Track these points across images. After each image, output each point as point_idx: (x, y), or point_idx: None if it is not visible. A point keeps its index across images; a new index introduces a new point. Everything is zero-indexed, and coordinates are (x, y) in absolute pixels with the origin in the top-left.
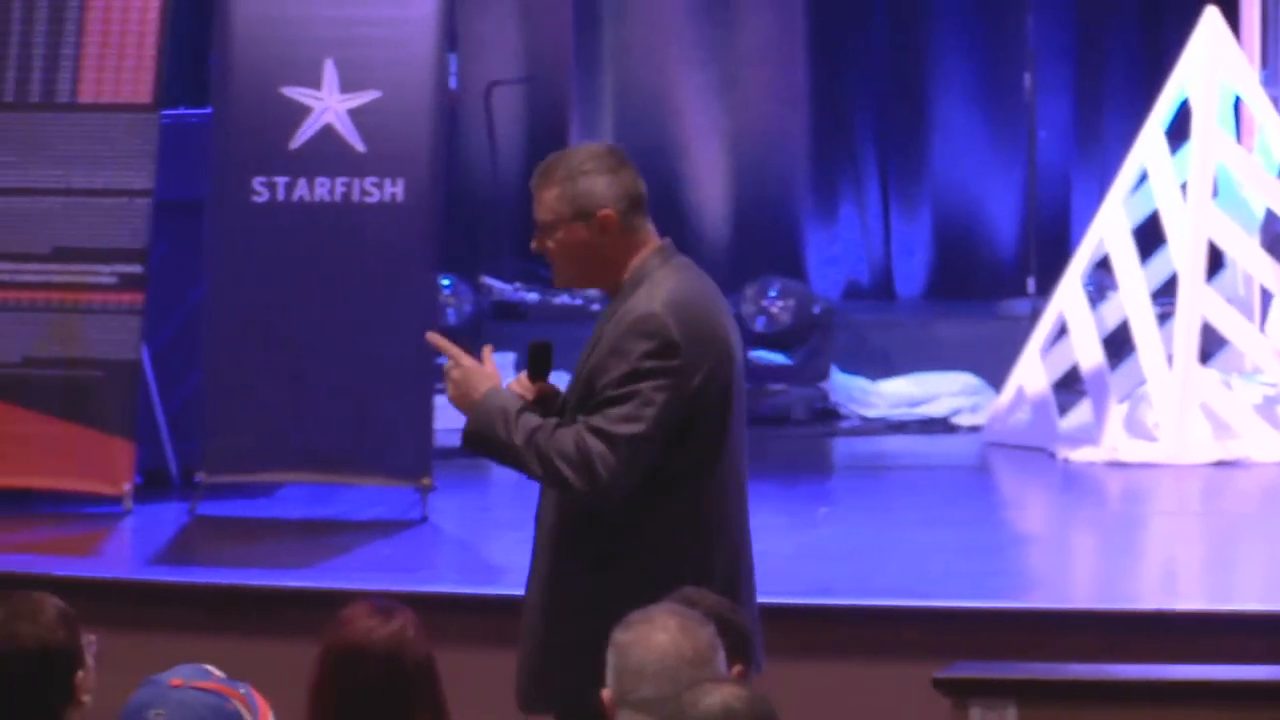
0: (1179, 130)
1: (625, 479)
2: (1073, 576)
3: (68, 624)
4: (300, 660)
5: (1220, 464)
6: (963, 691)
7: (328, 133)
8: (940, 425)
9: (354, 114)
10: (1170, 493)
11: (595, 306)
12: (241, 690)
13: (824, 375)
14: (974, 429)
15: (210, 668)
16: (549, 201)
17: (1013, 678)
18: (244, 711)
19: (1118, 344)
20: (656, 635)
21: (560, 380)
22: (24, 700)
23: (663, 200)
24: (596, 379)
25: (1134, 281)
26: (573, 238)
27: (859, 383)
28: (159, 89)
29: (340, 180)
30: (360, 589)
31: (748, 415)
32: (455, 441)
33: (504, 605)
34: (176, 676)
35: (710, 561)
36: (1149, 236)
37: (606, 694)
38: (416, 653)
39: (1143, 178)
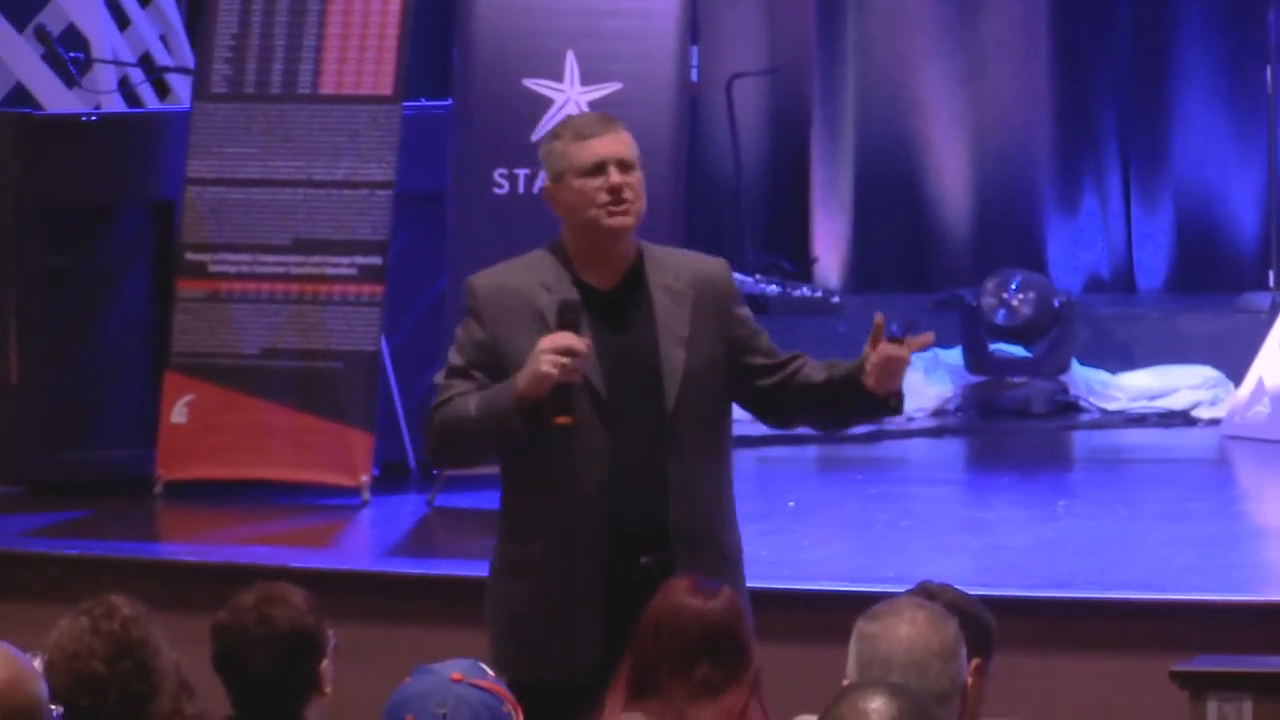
0: None
1: None
2: None
3: (315, 611)
4: None
5: None
6: (1200, 685)
7: None
8: (1180, 418)
9: (595, 106)
10: None
11: (835, 299)
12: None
13: (1064, 368)
14: (1213, 422)
15: (484, 665)
16: (629, 141)
17: (1250, 671)
18: (515, 715)
19: None
20: (903, 628)
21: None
22: (275, 683)
23: (904, 192)
24: (742, 326)
25: None
26: (640, 180)
27: (1099, 376)
28: (400, 80)
29: None
30: None
31: (989, 408)
32: None
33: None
34: (456, 670)
35: None
36: None
37: (847, 683)
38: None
39: None
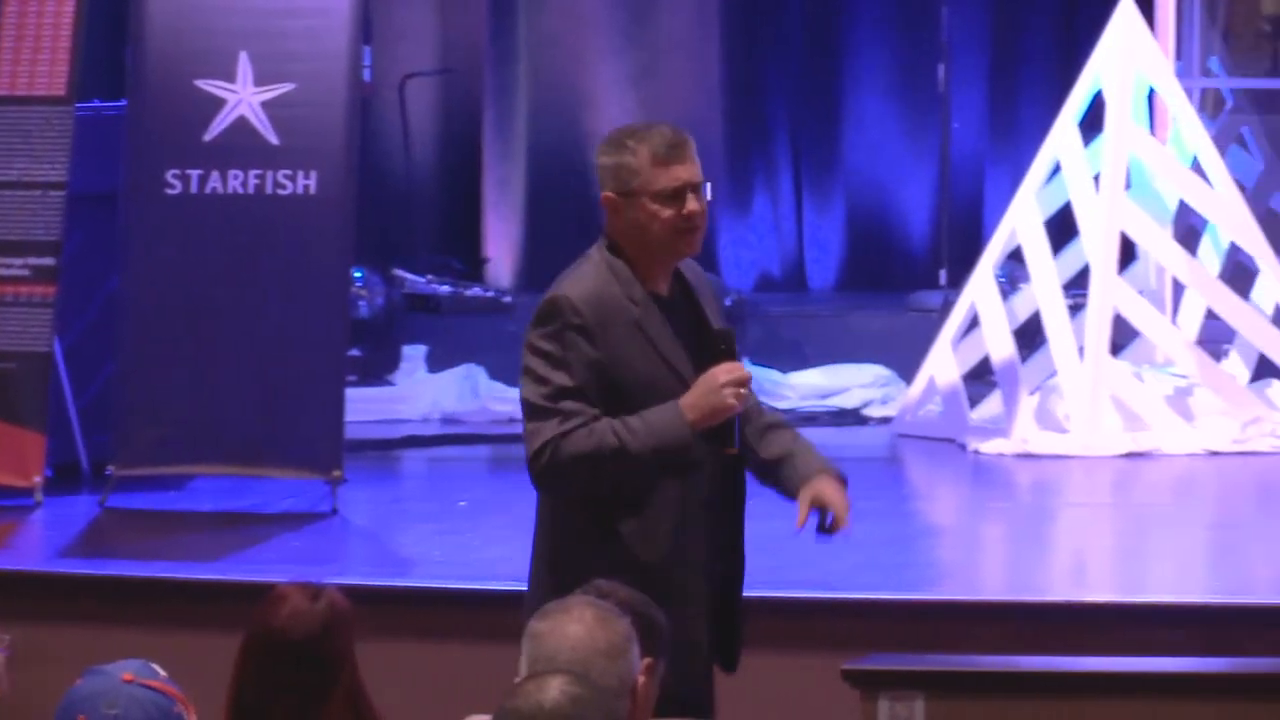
0: (1092, 122)
1: None
2: (983, 568)
3: None
4: (211, 652)
5: (1131, 456)
6: (871, 683)
7: (241, 125)
8: (851, 417)
9: (267, 106)
10: (1080, 484)
11: (507, 299)
12: (180, 691)
13: None
14: (885, 420)
15: (156, 665)
16: (696, 160)
17: (921, 669)
18: (186, 714)
19: (1029, 335)
20: (571, 626)
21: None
22: None
23: (576, 192)
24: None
25: (1046, 273)
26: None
27: (771, 375)
28: (74, 81)
29: (253, 172)
30: (270, 581)
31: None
32: (367, 434)
33: (414, 597)
34: (127, 671)
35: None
36: (1061, 228)
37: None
38: (340, 634)
39: (1056, 169)
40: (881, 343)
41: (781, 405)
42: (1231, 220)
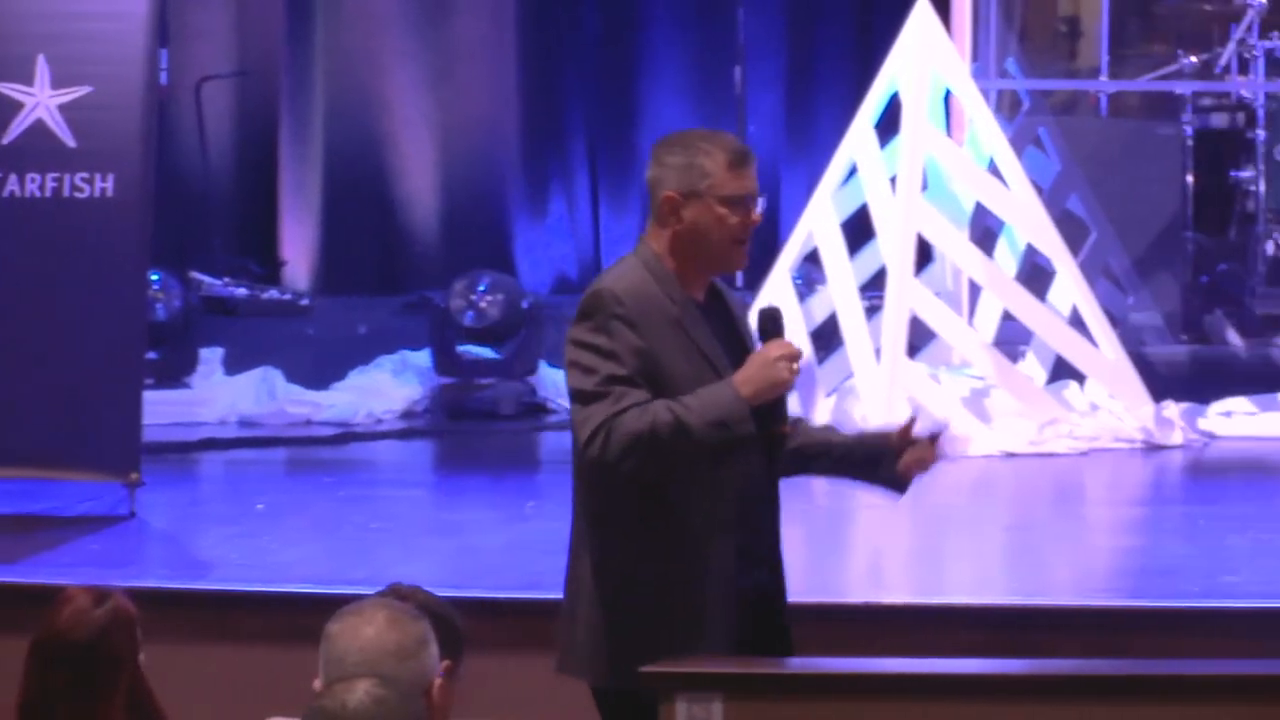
0: (889, 123)
1: None
2: (787, 569)
3: None
4: (4, 655)
5: None
6: (669, 685)
7: (39, 128)
8: None
9: (65, 109)
10: None
11: (305, 301)
12: None
13: (532, 370)
14: None
15: None
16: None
17: (719, 671)
18: None
19: (826, 337)
20: (364, 628)
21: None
22: None
23: (373, 194)
24: None
25: (842, 275)
26: None
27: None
28: None
29: (51, 176)
30: (66, 584)
31: (458, 410)
32: (165, 437)
33: (212, 600)
34: None
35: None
36: (858, 230)
37: (316, 683)
38: (122, 637)
39: (852, 171)
40: None
41: None
42: (1028, 222)
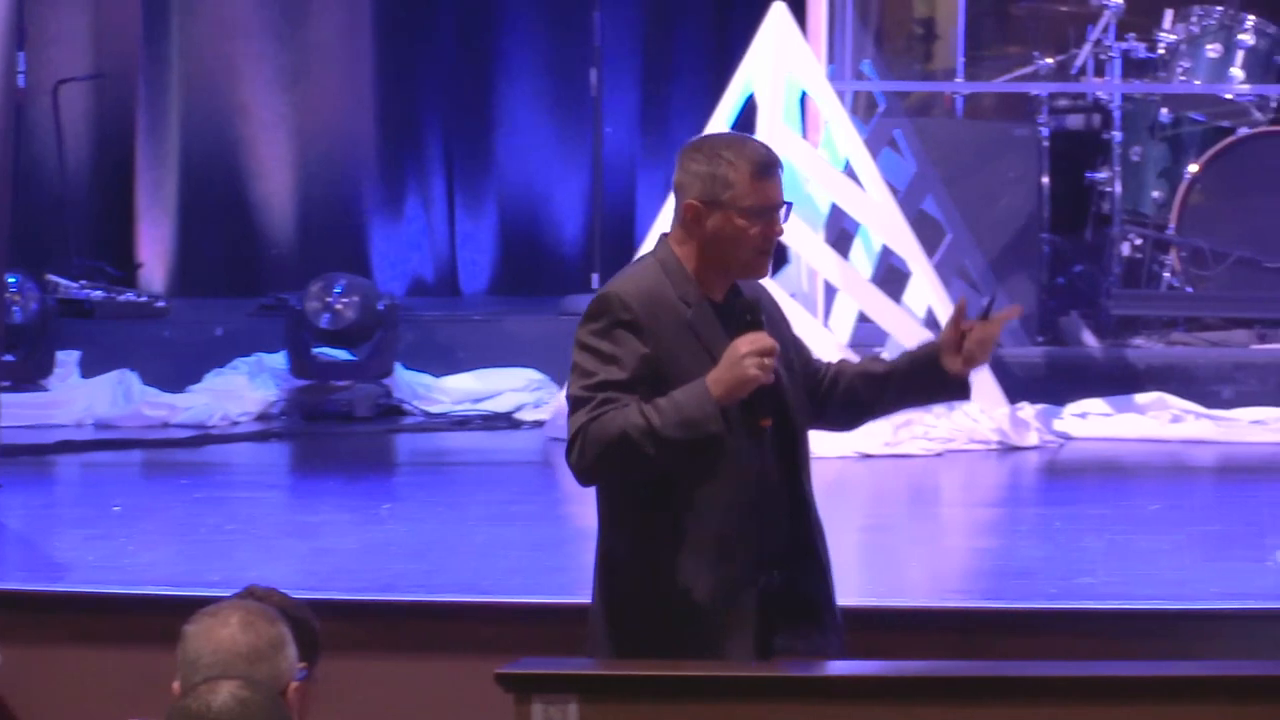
0: (745, 125)
1: None
2: None
3: None
4: None
5: None
6: (525, 687)
7: None
8: (504, 421)
9: None
10: None
11: (161, 304)
12: None
13: (388, 372)
14: (538, 424)
15: None
16: (782, 180)
17: (574, 673)
18: None
19: None
20: (218, 629)
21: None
22: None
23: (230, 196)
24: (799, 342)
25: None
26: None
27: (423, 379)
28: None
29: None
30: None
31: (314, 412)
32: (20, 440)
33: (69, 602)
34: None
35: None
36: None
37: (175, 685)
38: None
39: None
40: (534, 347)
41: (434, 409)
42: (883, 223)
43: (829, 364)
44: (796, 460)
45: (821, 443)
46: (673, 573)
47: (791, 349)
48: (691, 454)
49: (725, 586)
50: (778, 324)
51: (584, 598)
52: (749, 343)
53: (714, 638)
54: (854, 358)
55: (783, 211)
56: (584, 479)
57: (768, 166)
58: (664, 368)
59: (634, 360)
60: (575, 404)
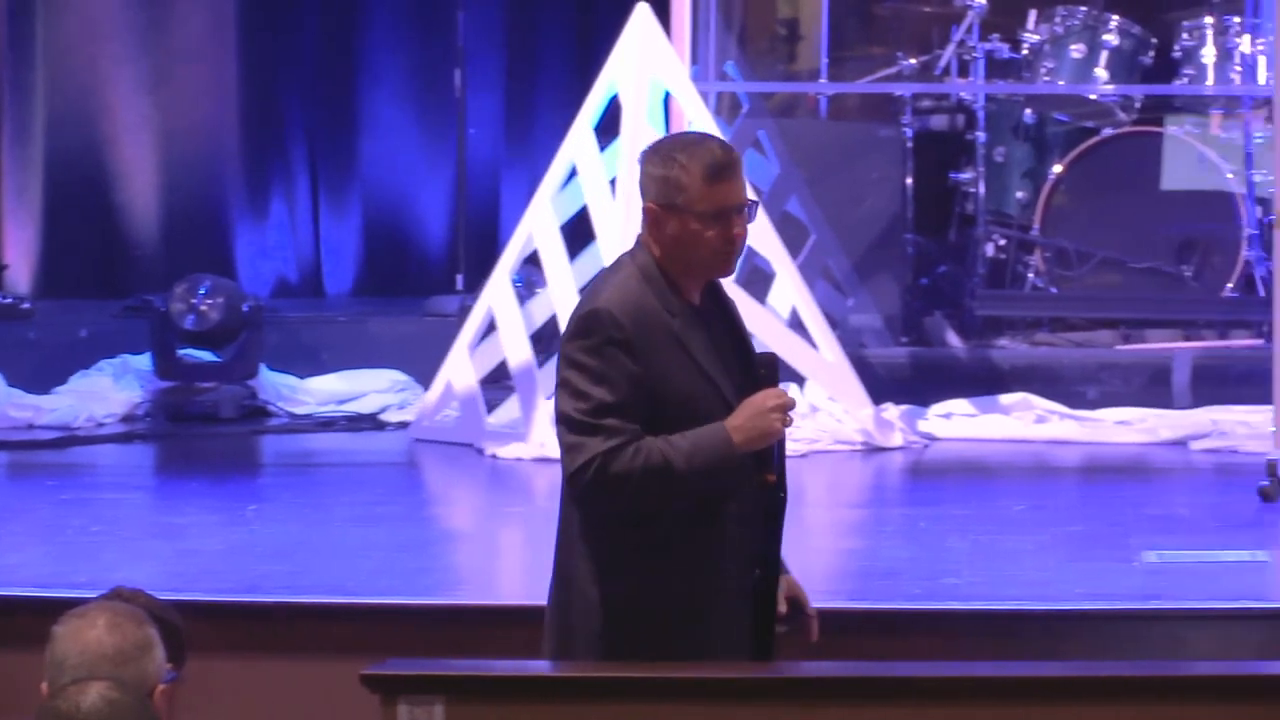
0: (609, 126)
1: None
2: (501, 573)
3: None
4: None
5: None
6: (390, 688)
7: None
8: (369, 422)
9: None
10: None
11: (26, 305)
12: None
13: (253, 373)
14: (403, 425)
15: None
16: (744, 179)
17: (440, 674)
18: None
19: (546, 340)
20: (86, 631)
21: None
22: None
23: (94, 198)
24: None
25: (562, 277)
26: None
27: (288, 380)
28: None
29: None
30: None
31: (179, 413)
32: None
33: None
34: None
35: None
36: (578, 232)
37: (44, 686)
38: None
39: (572, 174)
40: (399, 348)
41: (299, 411)
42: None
43: None
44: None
45: None
46: (667, 577)
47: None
48: (708, 495)
49: (717, 590)
50: (744, 327)
51: (449, 598)
52: (774, 397)
53: (709, 641)
54: (1058, 420)
55: (747, 210)
56: (588, 507)
57: (721, 169)
58: (655, 384)
59: (626, 381)
60: (576, 427)
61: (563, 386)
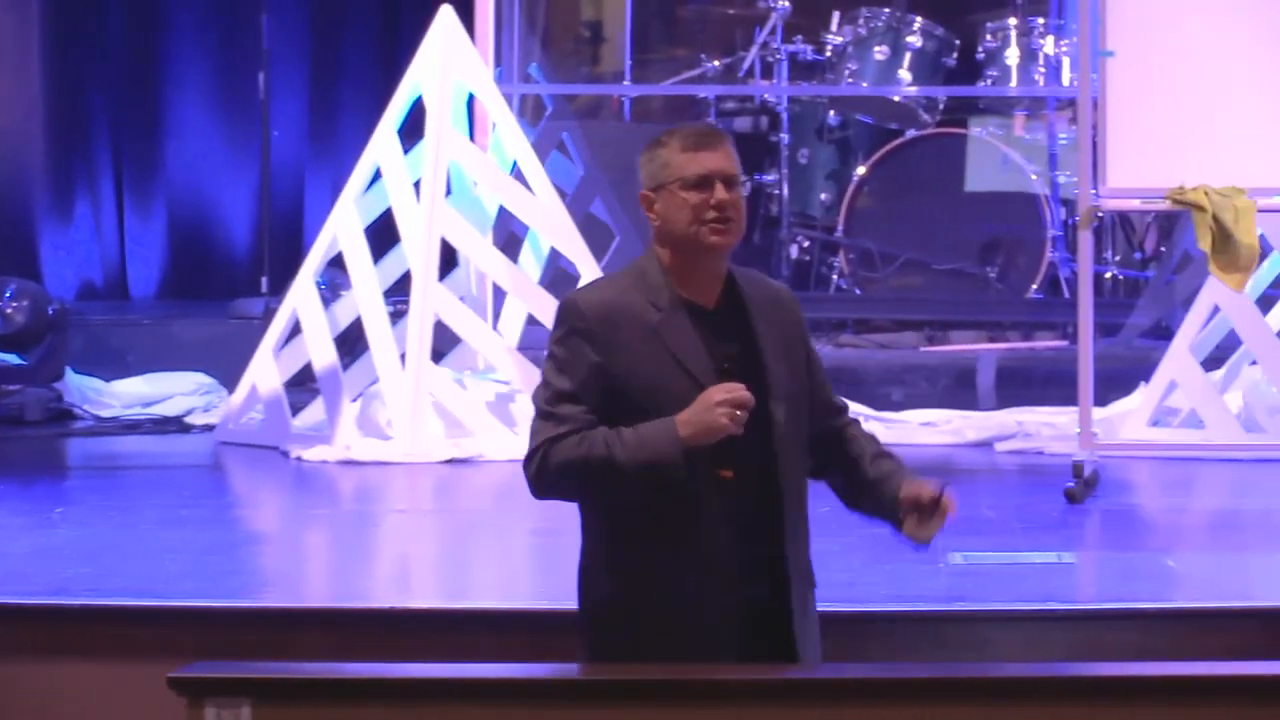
0: (413, 129)
1: None
2: (307, 575)
3: None
4: None
5: (453, 462)
6: (197, 691)
7: None
8: (174, 424)
9: None
10: (403, 491)
11: None
12: None
13: (58, 376)
14: (208, 428)
15: None
16: (735, 156)
17: (246, 676)
18: None
19: (351, 342)
20: None
21: None
22: None
23: None
24: (815, 363)
25: (367, 280)
26: (741, 197)
27: (93, 383)
28: None
29: None
30: None
31: None
32: None
33: None
34: None
35: None
36: (382, 235)
37: None
38: None
39: (376, 176)
40: (204, 350)
41: (105, 413)
42: (552, 226)
43: (847, 416)
44: (776, 461)
45: (489, 446)
46: (652, 581)
47: (803, 366)
48: (651, 488)
49: (704, 596)
50: (794, 343)
51: (255, 600)
52: (724, 391)
53: (694, 647)
54: (863, 422)
55: (735, 182)
56: (537, 494)
57: (700, 138)
58: (621, 378)
59: (584, 369)
60: (537, 414)
61: (542, 375)
